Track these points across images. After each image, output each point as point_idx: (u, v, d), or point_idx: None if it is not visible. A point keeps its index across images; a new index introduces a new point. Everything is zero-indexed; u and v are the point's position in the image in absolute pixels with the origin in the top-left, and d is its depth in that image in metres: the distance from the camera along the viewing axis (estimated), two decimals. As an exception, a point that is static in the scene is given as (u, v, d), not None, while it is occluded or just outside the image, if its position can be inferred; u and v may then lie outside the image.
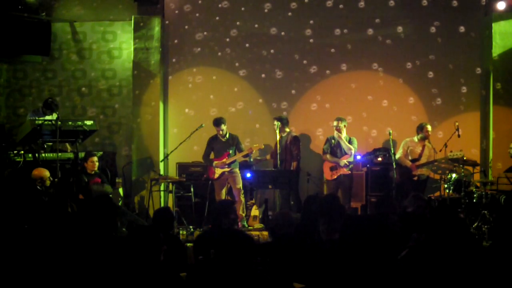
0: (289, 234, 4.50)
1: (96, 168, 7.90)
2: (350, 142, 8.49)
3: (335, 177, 8.44)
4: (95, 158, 7.91)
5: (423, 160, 8.35)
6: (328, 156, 8.55)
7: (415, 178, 8.33)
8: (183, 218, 8.19)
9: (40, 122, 7.50)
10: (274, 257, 4.09)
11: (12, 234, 4.72)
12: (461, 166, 7.98)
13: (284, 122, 8.79)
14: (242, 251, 3.22)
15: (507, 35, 9.05)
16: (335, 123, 8.51)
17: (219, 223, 4.95)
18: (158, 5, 9.35)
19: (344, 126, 8.51)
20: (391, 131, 8.38)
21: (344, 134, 8.49)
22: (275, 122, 8.62)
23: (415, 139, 8.46)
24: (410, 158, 8.40)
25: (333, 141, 8.54)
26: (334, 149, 8.52)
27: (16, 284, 3.84)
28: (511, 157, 8.26)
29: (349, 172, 8.46)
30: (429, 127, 8.41)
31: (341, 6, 9.48)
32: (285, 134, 8.79)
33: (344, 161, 8.41)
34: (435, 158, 8.22)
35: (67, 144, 8.21)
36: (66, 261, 3.97)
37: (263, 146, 8.70)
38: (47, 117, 8.26)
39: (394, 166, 8.19)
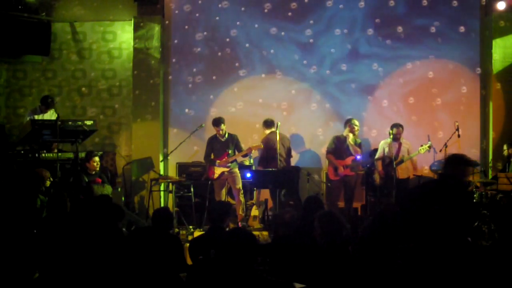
0: (289, 233, 4.49)
1: (98, 168, 7.86)
2: (359, 145, 8.48)
3: (338, 178, 8.43)
4: (97, 158, 7.78)
5: (400, 158, 8.33)
6: (331, 156, 8.53)
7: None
8: (183, 218, 8.18)
9: (40, 122, 7.50)
10: (274, 257, 4.09)
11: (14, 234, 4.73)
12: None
13: (267, 123, 8.79)
14: (245, 249, 3.16)
15: (507, 35, 9.05)
16: (356, 126, 8.47)
17: (220, 223, 4.95)
18: (158, 5, 9.36)
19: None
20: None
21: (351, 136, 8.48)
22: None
23: (389, 140, 8.41)
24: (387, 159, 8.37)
25: (340, 141, 8.47)
26: (342, 149, 8.46)
27: (17, 283, 3.84)
28: (506, 157, 8.28)
29: (353, 173, 8.45)
30: (401, 129, 8.36)
31: (341, 6, 9.47)
32: (268, 134, 8.73)
33: (341, 167, 8.39)
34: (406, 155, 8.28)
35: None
36: (66, 260, 3.97)
37: (262, 146, 8.68)
38: (46, 116, 8.26)
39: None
